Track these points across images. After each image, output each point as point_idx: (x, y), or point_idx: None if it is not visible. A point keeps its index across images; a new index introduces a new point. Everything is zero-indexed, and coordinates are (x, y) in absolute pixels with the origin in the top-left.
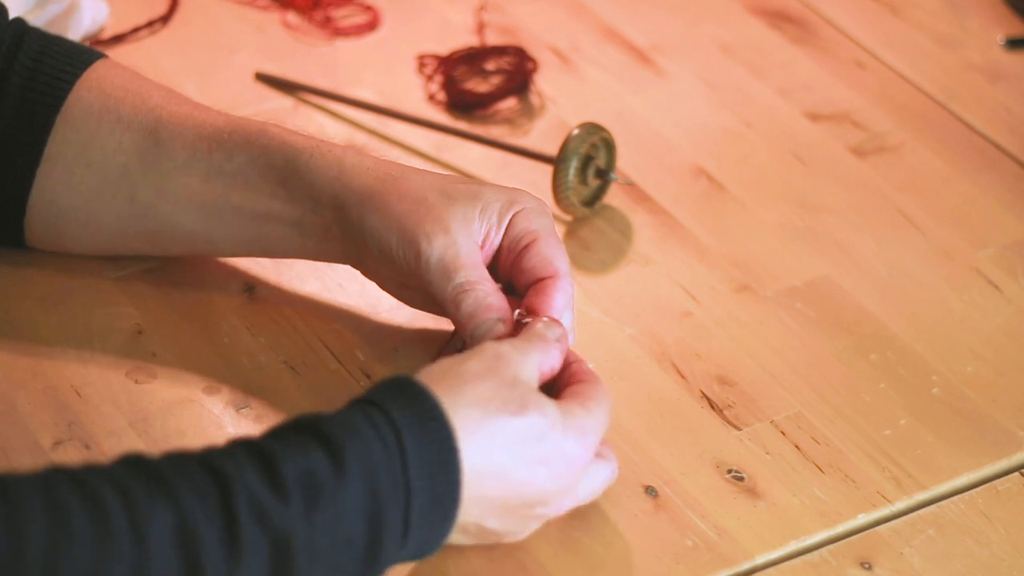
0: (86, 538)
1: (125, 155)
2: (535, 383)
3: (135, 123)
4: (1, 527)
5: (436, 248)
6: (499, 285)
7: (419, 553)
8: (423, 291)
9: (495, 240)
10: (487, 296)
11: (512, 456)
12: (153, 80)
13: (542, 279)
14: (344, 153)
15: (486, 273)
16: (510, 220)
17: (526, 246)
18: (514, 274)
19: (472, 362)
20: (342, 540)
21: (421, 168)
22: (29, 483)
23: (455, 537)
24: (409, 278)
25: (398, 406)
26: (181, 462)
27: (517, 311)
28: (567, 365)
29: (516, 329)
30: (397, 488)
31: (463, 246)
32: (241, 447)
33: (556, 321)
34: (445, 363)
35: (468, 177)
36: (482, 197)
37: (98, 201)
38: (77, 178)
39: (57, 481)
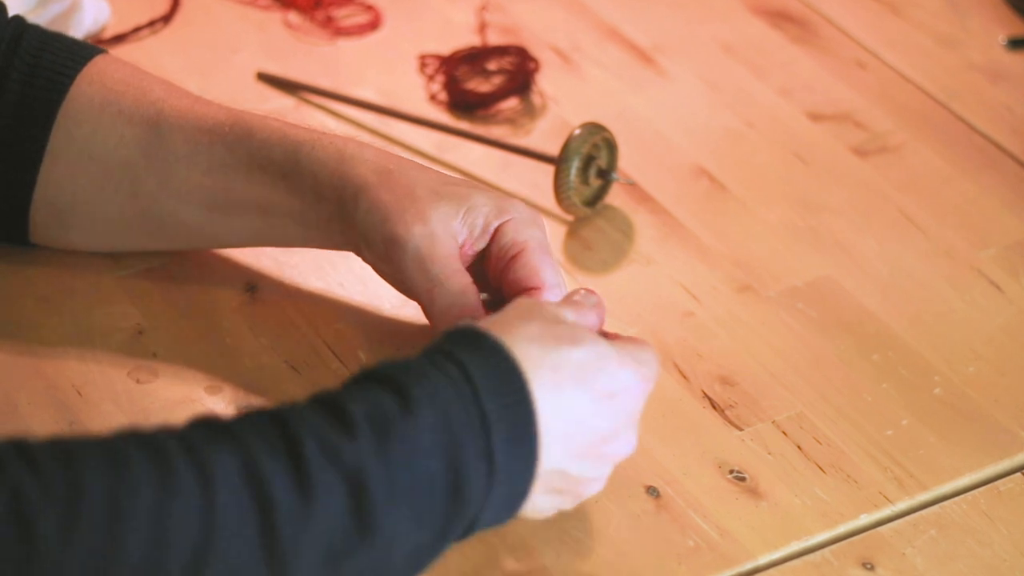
0: (147, 479)
1: (127, 149)
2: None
3: (136, 117)
4: (62, 479)
5: (413, 238)
6: (484, 296)
7: (509, 502)
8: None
9: (478, 245)
10: (462, 293)
11: (578, 386)
12: (154, 74)
13: (528, 291)
14: (345, 144)
15: (461, 267)
16: (498, 229)
17: (513, 257)
18: (503, 285)
19: (510, 311)
20: (422, 476)
21: (422, 164)
22: (90, 442)
23: (539, 500)
24: (390, 270)
25: (458, 346)
26: (244, 415)
27: None
28: (609, 335)
29: None
30: (471, 418)
31: (440, 239)
32: (304, 400)
33: (592, 291)
34: (484, 319)
35: (469, 180)
36: (470, 200)
37: (101, 195)
38: (80, 173)
39: (117, 437)
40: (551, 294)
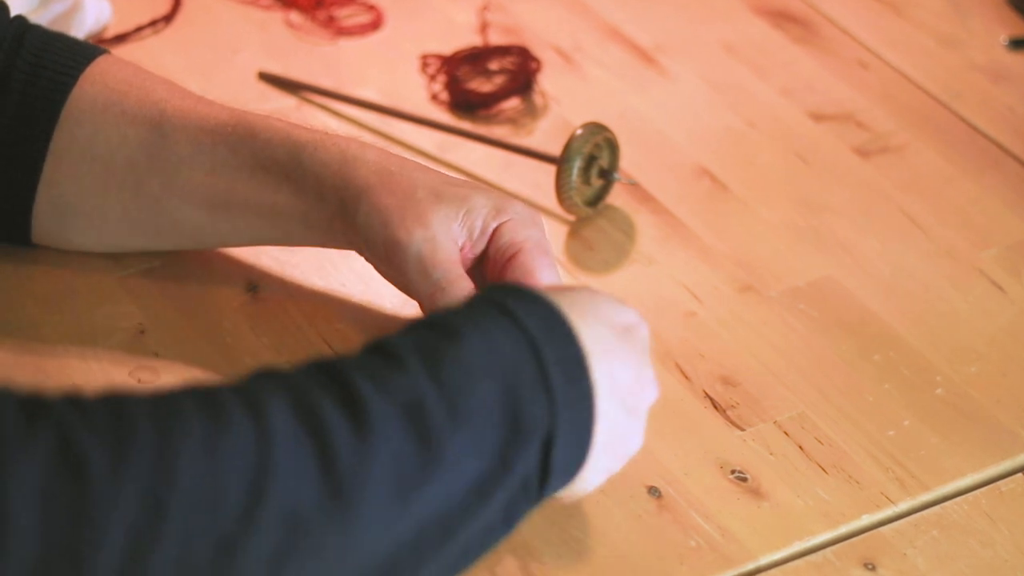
0: (197, 417)
1: (130, 149)
2: None
3: (139, 117)
4: (111, 422)
5: (415, 242)
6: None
7: (579, 432)
8: (405, 286)
9: (478, 246)
10: (463, 296)
11: (599, 321)
12: (156, 74)
13: None
14: (347, 146)
15: (463, 272)
16: (496, 229)
17: (510, 258)
18: None
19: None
20: (479, 399)
21: (424, 164)
22: (140, 394)
23: (597, 457)
24: (392, 273)
25: (491, 291)
26: (296, 367)
27: None
28: None
29: None
30: (518, 341)
31: (442, 243)
32: (354, 352)
33: None
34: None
35: (471, 180)
36: (469, 201)
37: (104, 196)
38: (83, 173)
39: (168, 390)
40: None
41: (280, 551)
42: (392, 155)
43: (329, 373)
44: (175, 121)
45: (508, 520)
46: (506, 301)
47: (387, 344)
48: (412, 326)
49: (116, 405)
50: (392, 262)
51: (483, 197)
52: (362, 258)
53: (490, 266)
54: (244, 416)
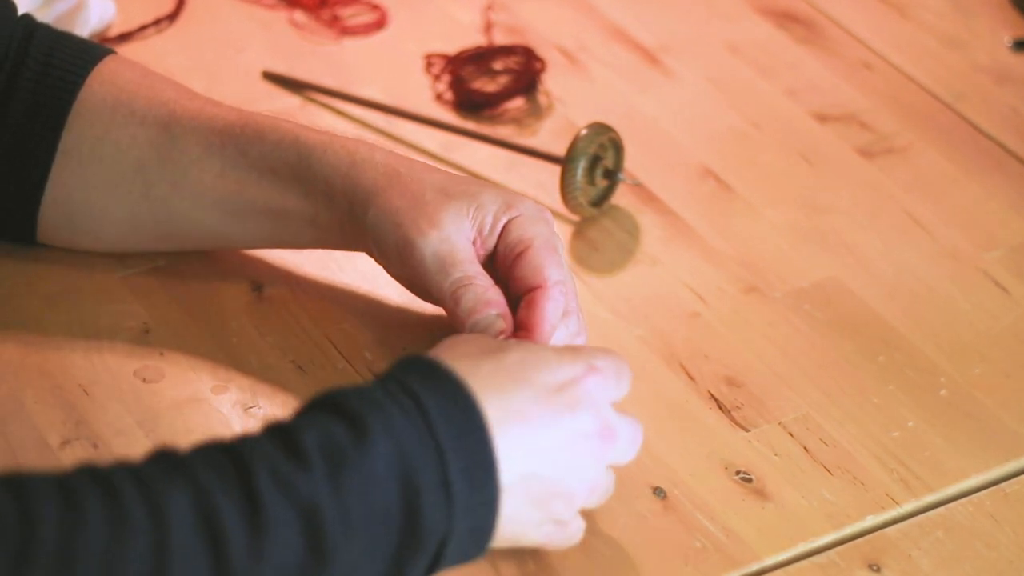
0: (99, 517)
1: (139, 150)
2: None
3: (149, 118)
4: (14, 516)
5: (431, 243)
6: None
7: (475, 538)
8: (422, 287)
9: (489, 242)
10: (485, 291)
11: (519, 384)
12: (164, 75)
13: (533, 289)
14: (356, 147)
15: (481, 269)
16: (505, 225)
17: (519, 254)
18: (509, 283)
19: (443, 343)
20: (377, 508)
21: (431, 165)
22: (45, 477)
23: (522, 517)
24: (406, 274)
25: (410, 375)
26: (200, 448)
27: None
28: None
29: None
30: (426, 447)
31: (457, 242)
32: (259, 431)
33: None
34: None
35: (477, 179)
36: (479, 197)
37: (112, 196)
38: (91, 173)
39: (72, 473)
40: (555, 291)
41: None
42: (400, 156)
43: (233, 462)
44: (184, 122)
45: None
46: (424, 399)
47: (294, 434)
48: (326, 404)
49: (18, 495)
50: (408, 263)
51: (492, 194)
52: (369, 258)
53: (500, 262)
54: (144, 518)
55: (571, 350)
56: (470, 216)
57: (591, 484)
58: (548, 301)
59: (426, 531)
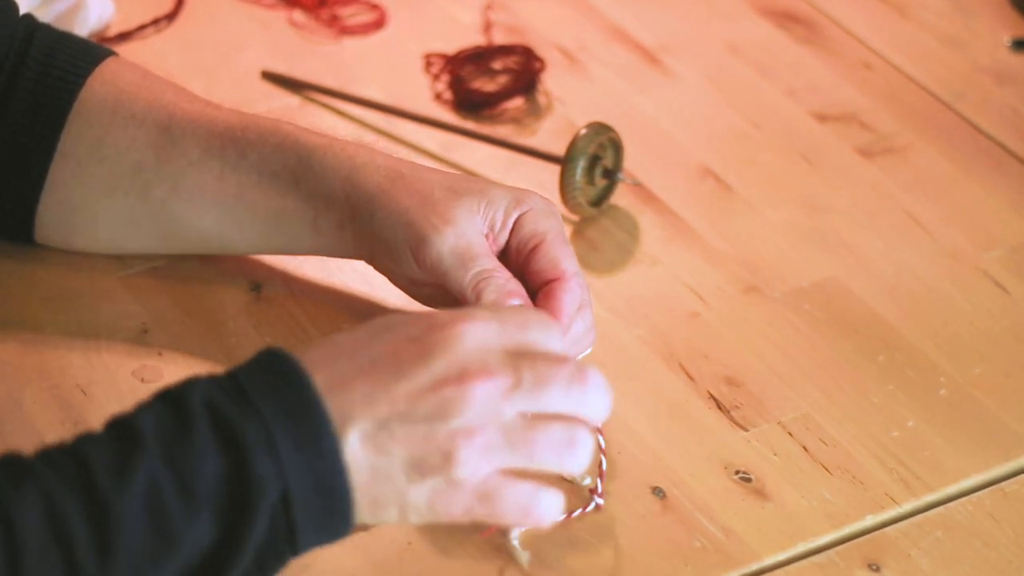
0: None
1: (139, 152)
2: None
3: (148, 119)
4: None
5: (446, 239)
6: None
7: (328, 503)
8: (433, 285)
9: (500, 238)
10: (507, 283)
11: (350, 341)
12: (164, 77)
13: (549, 282)
14: (356, 151)
15: (499, 262)
16: (517, 220)
17: (533, 248)
18: (523, 276)
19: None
20: (208, 476)
21: (432, 167)
22: None
23: (376, 491)
24: (419, 272)
25: (240, 365)
26: (43, 452)
27: None
28: None
29: None
30: (244, 412)
31: (472, 237)
32: (101, 428)
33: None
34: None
35: (480, 177)
36: (488, 194)
37: (110, 198)
38: (89, 174)
39: None
40: (572, 283)
41: None
42: (400, 159)
43: (76, 466)
44: (184, 124)
45: (263, 570)
46: (235, 372)
47: (130, 423)
48: (153, 398)
49: None
50: (423, 262)
51: (500, 190)
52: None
53: (512, 257)
54: None
55: (453, 309)
56: (481, 212)
57: (466, 430)
58: (567, 293)
59: (257, 491)
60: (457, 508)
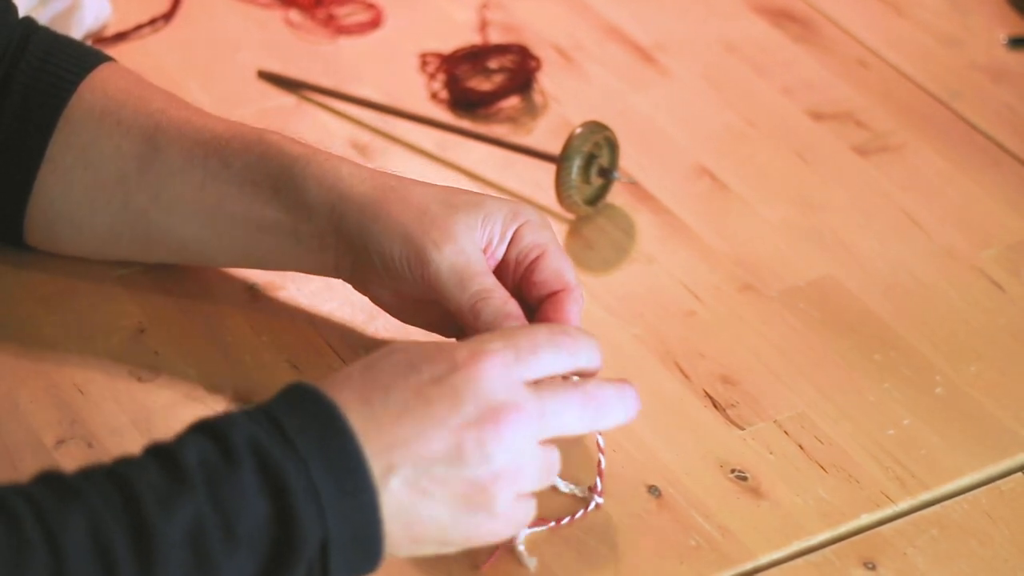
0: (3, 548)
1: (122, 160)
2: None
3: (134, 128)
4: None
5: (446, 256)
6: None
7: (362, 546)
8: (419, 302)
9: (498, 251)
10: (504, 304)
11: (392, 387)
12: (157, 85)
13: (554, 292)
14: (341, 163)
15: (496, 280)
16: (515, 232)
17: (535, 259)
18: (524, 287)
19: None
20: (252, 518)
21: (419, 180)
22: None
23: (431, 511)
24: (413, 287)
25: (270, 400)
26: (86, 472)
27: None
28: None
29: None
30: (287, 457)
31: (472, 254)
32: (140, 453)
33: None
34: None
35: (468, 189)
36: (484, 207)
37: (92, 206)
38: (74, 181)
39: None
40: (576, 293)
41: None
42: (386, 173)
43: (120, 489)
44: (170, 132)
45: None
46: (274, 412)
47: (175, 455)
48: (193, 430)
49: None
50: (421, 278)
51: (496, 202)
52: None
53: (511, 269)
54: (44, 551)
55: (466, 342)
56: (480, 226)
57: (506, 468)
58: (573, 304)
59: (299, 538)
60: (493, 537)
